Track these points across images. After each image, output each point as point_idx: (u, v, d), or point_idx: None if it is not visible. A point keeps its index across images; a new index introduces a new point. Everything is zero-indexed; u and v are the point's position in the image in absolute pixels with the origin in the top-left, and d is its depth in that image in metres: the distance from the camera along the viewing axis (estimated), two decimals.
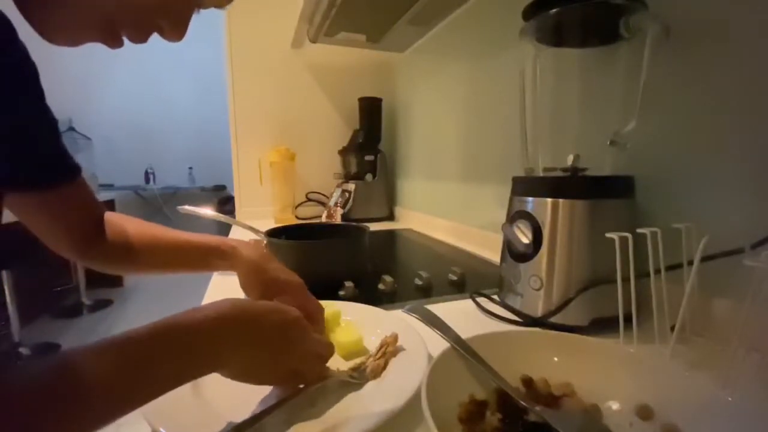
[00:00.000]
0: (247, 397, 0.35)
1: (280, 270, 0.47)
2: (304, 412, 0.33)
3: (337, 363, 0.41)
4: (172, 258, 0.49)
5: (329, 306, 0.49)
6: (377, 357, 0.40)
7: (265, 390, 0.36)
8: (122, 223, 0.50)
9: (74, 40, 0.29)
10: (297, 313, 0.35)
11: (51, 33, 0.28)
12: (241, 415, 0.32)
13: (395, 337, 0.42)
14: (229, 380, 0.31)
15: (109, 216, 0.50)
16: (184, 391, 0.28)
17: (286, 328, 0.34)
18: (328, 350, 0.38)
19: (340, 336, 0.44)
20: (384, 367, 0.39)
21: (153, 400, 0.25)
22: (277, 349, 0.33)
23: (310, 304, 0.45)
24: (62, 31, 0.28)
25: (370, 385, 0.37)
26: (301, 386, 0.35)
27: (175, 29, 0.30)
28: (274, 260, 0.48)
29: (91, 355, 0.24)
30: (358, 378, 0.38)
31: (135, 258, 0.49)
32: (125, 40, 0.30)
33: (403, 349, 0.41)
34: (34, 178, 0.40)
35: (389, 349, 0.41)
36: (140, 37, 0.30)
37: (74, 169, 0.44)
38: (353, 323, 0.48)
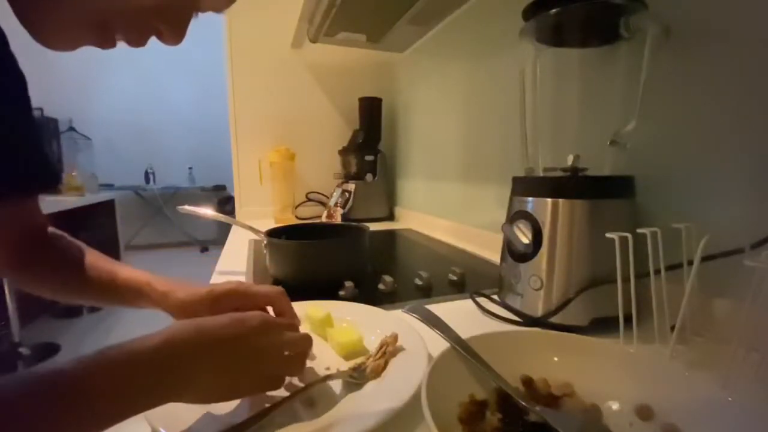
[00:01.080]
0: (247, 397, 0.35)
1: (217, 287, 0.44)
2: (304, 412, 0.33)
3: (337, 363, 0.41)
4: (104, 292, 0.46)
5: (320, 308, 0.49)
6: (377, 357, 0.40)
7: None
8: (62, 244, 0.48)
9: (70, 44, 0.29)
10: (258, 318, 0.34)
11: (47, 37, 0.28)
12: (241, 415, 0.32)
13: (395, 337, 0.42)
14: None
15: (51, 233, 0.48)
16: None
17: (248, 338, 0.32)
18: (305, 343, 0.36)
19: (340, 336, 0.44)
20: (384, 367, 0.39)
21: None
22: (244, 362, 0.32)
23: (265, 294, 0.43)
24: (57, 34, 0.28)
25: (370, 385, 0.37)
26: (302, 386, 0.35)
27: (174, 33, 0.30)
28: (204, 287, 0.44)
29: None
30: (358, 378, 0.38)
31: (69, 285, 0.46)
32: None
33: (403, 349, 0.41)
34: (8, 188, 0.40)
35: (389, 349, 0.40)
36: (139, 41, 0.29)
37: (52, 180, 0.44)
38: (353, 323, 0.48)
